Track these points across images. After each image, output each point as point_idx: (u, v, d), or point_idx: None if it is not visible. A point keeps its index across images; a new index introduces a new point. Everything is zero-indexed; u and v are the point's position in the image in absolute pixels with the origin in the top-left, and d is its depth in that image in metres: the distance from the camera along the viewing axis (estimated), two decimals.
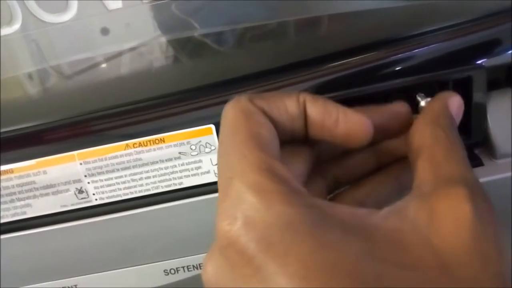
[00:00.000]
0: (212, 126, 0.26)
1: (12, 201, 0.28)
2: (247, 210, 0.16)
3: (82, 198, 0.28)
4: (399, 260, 0.15)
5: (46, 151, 0.27)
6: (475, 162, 0.26)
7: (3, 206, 0.28)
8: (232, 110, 0.19)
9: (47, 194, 0.28)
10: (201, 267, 0.31)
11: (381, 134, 0.22)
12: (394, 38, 0.25)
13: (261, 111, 0.19)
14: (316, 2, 0.29)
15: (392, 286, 0.14)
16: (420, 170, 0.18)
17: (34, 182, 0.27)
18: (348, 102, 0.25)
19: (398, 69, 0.25)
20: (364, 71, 0.25)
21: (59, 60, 0.30)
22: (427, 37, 0.25)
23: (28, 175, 0.27)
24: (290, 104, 0.20)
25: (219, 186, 0.18)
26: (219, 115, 0.26)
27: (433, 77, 0.25)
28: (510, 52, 0.25)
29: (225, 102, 0.26)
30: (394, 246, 0.15)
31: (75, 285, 0.32)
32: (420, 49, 0.25)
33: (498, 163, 0.26)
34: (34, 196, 0.28)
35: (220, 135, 0.19)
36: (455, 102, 0.21)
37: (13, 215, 0.28)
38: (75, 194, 0.28)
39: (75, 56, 0.29)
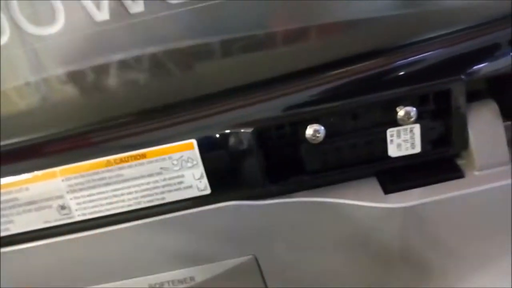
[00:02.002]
0: (194, 141, 0.26)
1: None
2: None
3: (64, 214, 0.28)
4: None
5: (27, 168, 0.27)
6: (456, 174, 0.26)
7: None
8: None
9: (29, 211, 0.28)
10: (186, 282, 0.31)
11: None
12: (373, 51, 0.25)
13: None
14: (304, 12, 0.28)
15: None
16: None
17: (16, 199, 0.27)
18: (328, 115, 0.26)
19: (377, 83, 0.25)
20: (343, 85, 0.25)
21: (42, 75, 0.29)
22: (405, 50, 0.25)
23: (10, 192, 0.27)
24: None
25: None
26: (200, 129, 0.27)
27: (412, 91, 0.25)
28: (488, 63, 0.25)
29: (206, 116, 0.27)
30: None
31: None
32: (399, 62, 0.25)
33: (479, 174, 0.26)
34: (17, 213, 0.28)
35: None
36: None
37: None
38: (57, 210, 0.28)
39: (60, 70, 0.29)
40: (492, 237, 0.27)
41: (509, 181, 0.25)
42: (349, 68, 0.25)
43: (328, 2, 0.26)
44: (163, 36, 0.29)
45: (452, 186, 0.26)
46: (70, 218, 0.28)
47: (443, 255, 0.28)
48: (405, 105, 0.25)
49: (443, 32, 0.25)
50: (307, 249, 0.29)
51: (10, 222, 0.28)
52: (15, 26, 0.27)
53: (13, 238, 0.29)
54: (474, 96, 0.26)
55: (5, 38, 0.28)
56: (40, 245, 0.29)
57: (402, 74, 0.25)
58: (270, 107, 0.26)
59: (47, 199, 0.27)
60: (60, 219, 0.28)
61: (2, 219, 0.28)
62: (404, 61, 0.25)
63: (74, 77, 0.29)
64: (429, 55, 0.25)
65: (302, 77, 0.26)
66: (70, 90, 0.28)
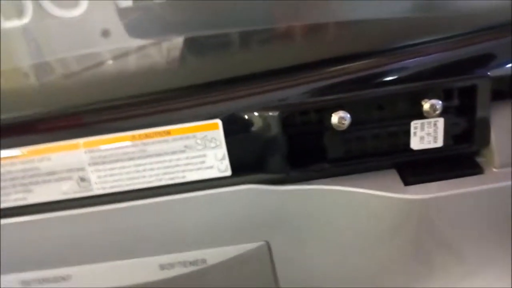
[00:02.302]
0: (219, 121, 0.26)
1: (14, 186, 0.28)
2: None
3: (83, 187, 0.28)
4: None
5: (52, 138, 0.27)
6: (476, 170, 0.26)
7: (4, 191, 0.28)
8: None
9: (49, 181, 0.28)
10: (197, 264, 0.31)
11: None
12: (403, 44, 0.26)
13: None
14: (322, 8, 0.29)
15: None
16: None
17: (37, 168, 0.27)
18: (358, 103, 0.26)
19: (406, 75, 0.25)
20: (373, 74, 0.25)
21: (65, 54, 0.30)
22: (434, 45, 0.26)
23: (32, 161, 0.27)
24: None
25: None
26: (226, 110, 0.27)
27: (438, 84, 0.25)
28: None
29: (233, 98, 0.27)
30: None
31: (69, 275, 0.31)
32: (428, 56, 0.26)
33: (498, 172, 0.26)
34: (36, 182, 0.28)
35: None
36: None
37: (14, 200, 0.28)
38: (77, 182, 0.28)
39: (81, 51, 0.30)
40: (506, 236, 0.27)
41: None
42: (378, 58, 0.26)
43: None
44: (186, 24, 0.29)
45: (471, 182, 0.26)
46: (89, 191, 0.28)
47: (452, 253, 0.28)
48: (431, 98, 0.26)
49: (471, 30, 0.26)
50: (321, 239, 0.30)
51: (29, 191, 0.28)
52: (38, 7, 0.28)
53: (29, 208, 0.29)
54: (498, 96, 0.27)
55: (27, 19, 0.28)
56: (56, 217, 0.29)
57: (430, 68, 0.26)
58: (297, 93, 0.26)
59: (68, 170, 0.27)
60: (78, 192, 0.28)
61: (21, 188, 0.28)
62: (432, 55, 0.26)
63: (99, 58, 0.29)
64: (458, 51, 0.26)
65: (330, 65, 0.26)
66: (97, 70, 0.29)
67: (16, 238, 0.29)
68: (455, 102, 0.26)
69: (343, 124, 0.25)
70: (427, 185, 0.26)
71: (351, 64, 0.26)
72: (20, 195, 0.28)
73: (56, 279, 0.31)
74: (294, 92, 0.26)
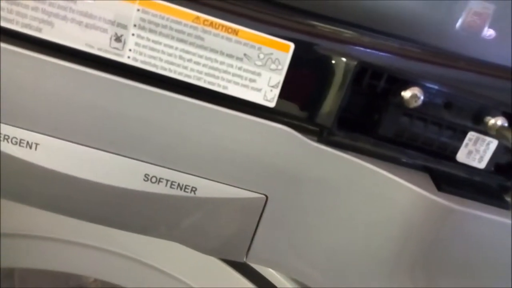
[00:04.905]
0: (292, 45, 0.24)
1: (35, 9, 0.23)
2: None
3: (114, 48, 0.24)
4: None
5: None
6: (504, 204, 0.26)
7: (21, 10, 0.23)
8: None
9: (79, 23, 0.23)
10: (185, 189, 0.28)
11: None
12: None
13: None
14: None
15: None
16: None
17: (74, 1, 0.23)
18: (433, 89, 0.25)
19: (491, 87, 0.25)
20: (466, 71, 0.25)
21: None
22: None
23: None
24: None
25: None
26: (307, 40, 0.24)
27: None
28: None
29: (319, 34, 0.24)
30: None
31: (37, 143, 0.26)
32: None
33: None
34: (63, 18, 0.23)
35: None
36: None
37: (25, 26, 0.23)
38: (110, 39, 0.24)
39: None
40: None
41: None
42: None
43: None
44: None
45: (498, 213, 0.26)
46: (117, 55, 0.24)
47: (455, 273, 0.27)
48: (494, 117, 0.25)
49: None
50: (327, 214, 0.28)
51: (48, 23, 0.23)
52: None
53: (35, 42, 0.24)
54: None
55: None
56: (63, 67, 0.24)
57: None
58: (387, 58, 0.25)
59: (108, 21, 0.23)
60: (106, 51, 0.24)
61: (42, 16, 0.23)
62: None
63: None
64: None
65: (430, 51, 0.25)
66: None
67: (11, 74, 0.24)
68: None
69: (415, 102, 0.24)
70: (458, 198, 0.26)
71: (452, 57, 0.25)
72: (35, 23, 0.23)
73: (21, 142, 0.26)
74: (381, 55, 0.25)
